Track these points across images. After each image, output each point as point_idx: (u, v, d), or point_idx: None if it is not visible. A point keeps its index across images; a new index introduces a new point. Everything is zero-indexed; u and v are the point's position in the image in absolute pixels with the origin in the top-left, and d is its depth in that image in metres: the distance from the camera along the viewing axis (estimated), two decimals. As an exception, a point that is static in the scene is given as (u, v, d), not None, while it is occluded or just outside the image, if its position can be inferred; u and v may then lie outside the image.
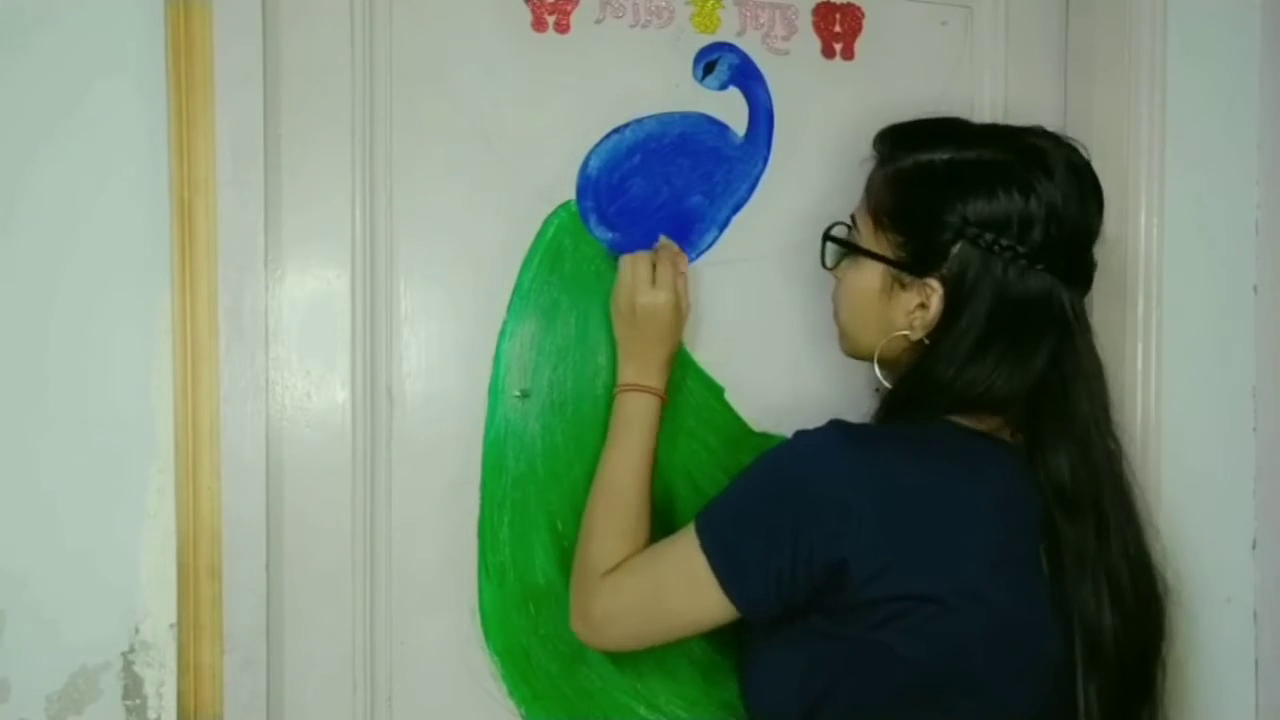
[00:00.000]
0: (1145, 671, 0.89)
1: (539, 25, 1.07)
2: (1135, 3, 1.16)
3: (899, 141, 0.94)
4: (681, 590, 0.88)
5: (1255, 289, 1.22)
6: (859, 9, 1.16)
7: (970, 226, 0.87)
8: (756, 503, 0.87)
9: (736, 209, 1.13)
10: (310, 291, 1.01)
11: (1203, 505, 1.19)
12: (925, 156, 0.91)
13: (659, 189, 1.11)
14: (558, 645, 1.07)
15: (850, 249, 0.97)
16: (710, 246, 1.12)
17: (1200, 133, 1.19)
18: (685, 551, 0.88)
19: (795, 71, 1.14)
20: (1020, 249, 0.86)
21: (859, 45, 1.17)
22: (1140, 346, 1.16)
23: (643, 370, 1.02)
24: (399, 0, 1.03)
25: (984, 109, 1.20)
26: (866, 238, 0.94)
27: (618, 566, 0.93)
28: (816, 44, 1.16)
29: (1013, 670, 0.84)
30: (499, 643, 1.06)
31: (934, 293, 0.89)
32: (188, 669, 0.94)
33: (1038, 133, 0.92)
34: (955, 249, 0.88)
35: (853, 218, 0.97)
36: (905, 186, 0.92)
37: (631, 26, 1.10)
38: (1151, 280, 1.16)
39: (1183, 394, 1.17)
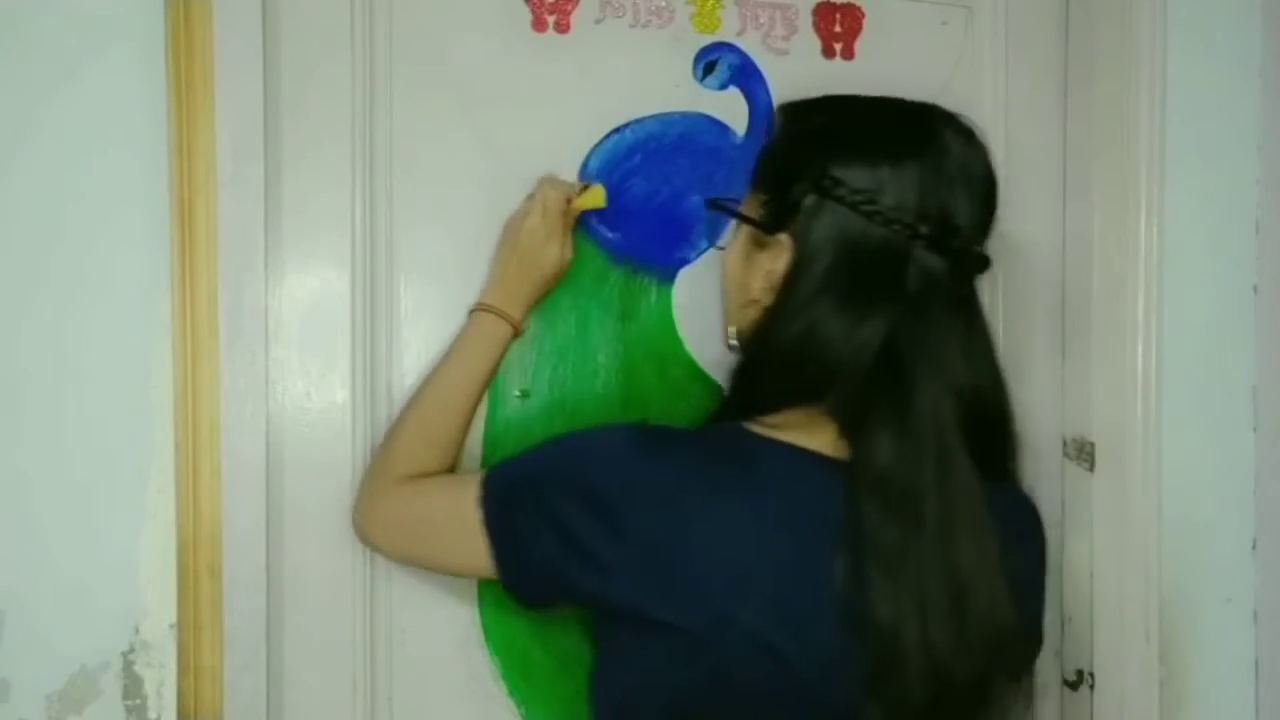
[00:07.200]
0: (961, 696, 0.79)
1: (539, 25, 1.07)
2: (1135, 3, 1.15)
3: (787, 112, 0.92)
4: (455, 538, 0.87)
5: (1255, 289, 1.22)
6: (859, 9, 1.16)
7: (826, 179, 0.82)
8: (544, 482, 0.84)
9: (736, 209, 1.13)
10: (310, 291, 1.01)
11: (1203, 505, 1.19)
12: (803, 123, 0.89)
13: (659, 189, 1.11)
14: (558, 645, 1.07)
15: (724, 211, 0.93)
16: (710, 246, 1.12)
17: (1200, 133, 1.19)
18: (468, 500, 0.86)
19: (795, 71, 1.14)
20: (875, 205, 0.81)
21: (859, 45, 1.17)
22: (1140, 346, 1.16)
23: (509, 298, 1.01)
24: (399, 0, 1.03)
25: (984, 109, 1.20)
26: (745, 204, 0.91)
27: (413, 480, 0.93)
28: (816, 44, 1.16)
29: (796, 701, 0.79)
30: (499, 643, 1.06)
31: (782, 249, 0.84)
32: (188, 669, 0.94)
33: (936, 114, 0.87)
34: (808, 201, 0.83)
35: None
36: (774, 144, 0.91)
37: (631, 26, 1.10)
38: (1151, 280, 1.16)
39: (1183, 394, 1.17)
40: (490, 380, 1.01)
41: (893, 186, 0.81)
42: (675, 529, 0.78)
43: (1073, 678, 1.21)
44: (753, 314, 0.87)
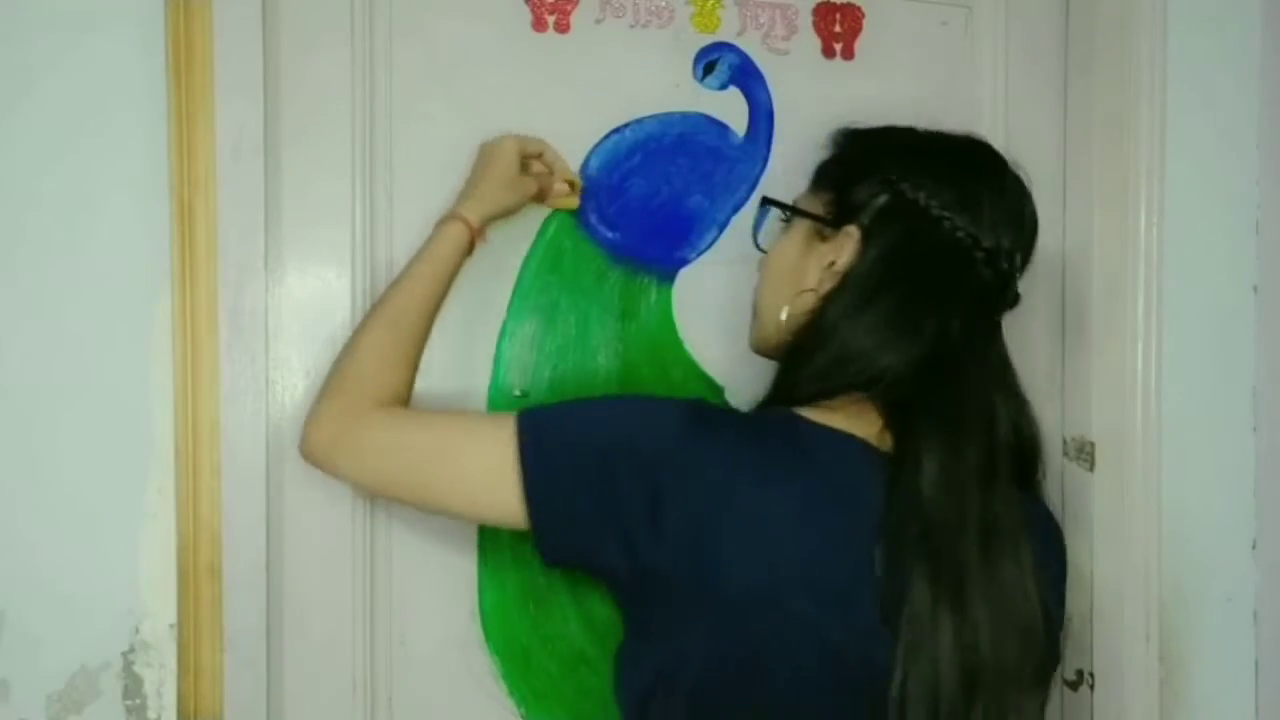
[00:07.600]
0: (992, 694, 0.80)
1: (539, 25, 1.07)
2: (1135, 3, 1.16)
3: (855, 132, 0.98)
4: (476, 475, 0.82)
5: (1255, 289, 1.22)
6: (859, 9, 1.16)
7: (902, 182, 0.87)
8: (595, 436, 0.81)
9: (736, 209, 1.13)
10: (310, 291, 1.01)
11: (1203, 505, 1.19)
12: (875, 139, 0.95)
13: (659, 189, 1.11)
14: (558, 645, 1.07)
15: (782, 208, 0.97)
16: (710, 246, 1.12)
17: (1200, 133, 1.19)
18: (500, 438, 0.81)
19: (795, 71, 1.14)
20: (946, 210, 0.86)
21: (859, 45, 1.17)
22: (1140, 346, 1.16)
23: (475, 205, 0.96)
24: (399, 0, 1.03)
25: (984, 109, 1.20)
26: (802, 203, 0.95)
27: (408, 413, 0.88)
28: (816, 44, 1.16)
29: (827, 682, 0.79)
30: (499, 643, 1.06)
31: (849, 240, 0.87)
32: (188, 669, 0.94)
33: (999, 154, 0.94)
34: (880, 200, 0.88)
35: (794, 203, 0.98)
36: (849, 142, 0.97)
37: (631, 26, 1.10)
38: (1151, 280, 1.16)
39: (1183, 394, 1.17)
40: (447, 284, 0.95)
41: (962, 200, 0.87)
42: (726, 502, 0.79)
43: (1073, 678, 1.21)
44: (808, 301, 0.89)
